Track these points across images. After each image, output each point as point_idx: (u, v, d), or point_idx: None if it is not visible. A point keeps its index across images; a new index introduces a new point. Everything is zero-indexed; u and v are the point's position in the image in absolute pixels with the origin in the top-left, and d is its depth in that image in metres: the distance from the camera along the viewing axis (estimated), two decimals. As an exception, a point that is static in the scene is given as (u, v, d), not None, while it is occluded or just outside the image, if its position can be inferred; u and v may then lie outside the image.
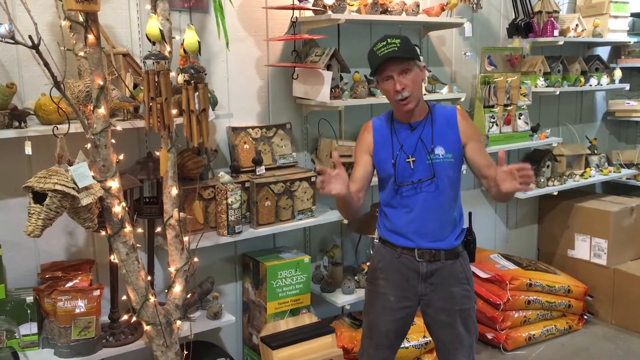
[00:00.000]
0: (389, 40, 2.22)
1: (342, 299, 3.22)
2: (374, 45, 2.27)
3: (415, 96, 2.25)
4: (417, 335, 3.29)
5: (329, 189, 2.06)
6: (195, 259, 2.64)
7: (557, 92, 4.18)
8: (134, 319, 2.52)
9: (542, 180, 4.20)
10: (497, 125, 3.92)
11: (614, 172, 4.61)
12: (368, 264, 2.76)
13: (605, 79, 4.47)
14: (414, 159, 2.31)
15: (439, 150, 2.30)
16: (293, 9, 2.99)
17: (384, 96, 3.24)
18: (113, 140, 2.37)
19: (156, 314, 2.48)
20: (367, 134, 2.41)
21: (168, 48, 2.46)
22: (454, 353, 2.38)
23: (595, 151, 4.71)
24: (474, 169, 2.36)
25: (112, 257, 2.47)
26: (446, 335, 2.39)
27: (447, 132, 2.32)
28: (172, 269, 2.57)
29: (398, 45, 2.20)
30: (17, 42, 2.05)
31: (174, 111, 2.48)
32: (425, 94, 3.45)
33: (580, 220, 4.37)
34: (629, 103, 4.89)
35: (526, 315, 3.80)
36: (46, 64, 2.12)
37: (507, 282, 3.72)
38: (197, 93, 2.43)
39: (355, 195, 2.29)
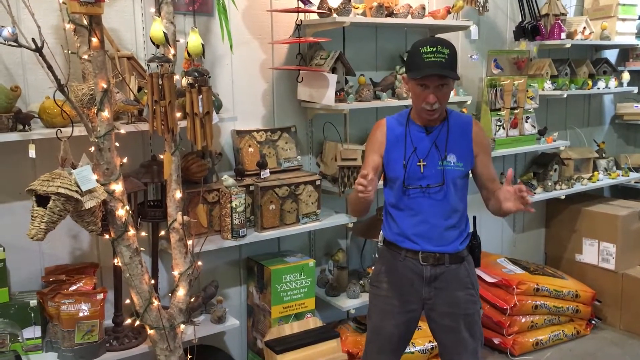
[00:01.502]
0: (438, 48, 2.13)
1: (347, 303, 3.21)
2: (421, 45, 2.16)
3: (442, 108, 2.26)
4: (423, 340, 3.26)
5: (370, 194, 2.07)
6: (199, 263, 2.64)
7: (565, 95, 4.15)
8: (137, 322, 2.51)
9: (549, 184, 4.17)
10: (503, 128, 3.90)
11: (622, 175, 4.58)
12: (373, 267, 2.74)
13: (613, 82, 4.44)
14: (425, 163, 2.29)
15: (451, 158, 2.29)
16: (298, 12, 2.98)
17: (390, 99, 3.28)
18: (117, 144, 2.37)
19: (160, 318, 2.47)
20: (379, 132, 2.38)
21: (172, 51, 2.46)
22: (458, 358, 2.35)
23: (603, 155, 4.68)
24: (476, 179, 2.38)
25: (115, 261, 2.47)
26: (450, 340, 2.37)
27: (461, 141, 2.31)
28: (175, 273, 2.56)
29: (446, 57, 2.13)
30: (20, 45, 2.05)
31: (178, 114, 2.47)
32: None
33: (588, 224, 4.33)
34: (637, 106, 4.85)
35: (533, 320, 3.76)
36: (50, 67, 2.12)
37: (514, 286, 3.69)
38: (201, 96, 2.43)
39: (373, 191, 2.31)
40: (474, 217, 2.48)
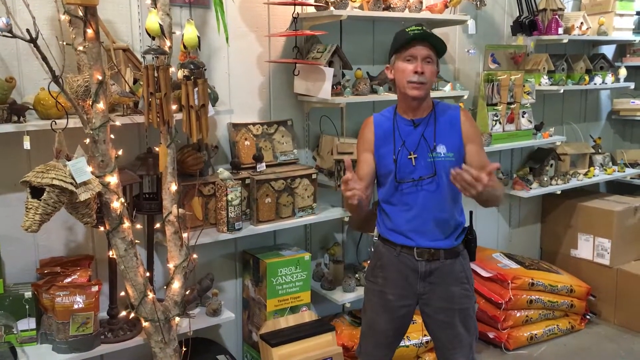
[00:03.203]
0: (423, 27, 2.25)
1: (343, 297, 3.21)
2: (405, 27, 2.28)
3: (427, 88, 2.27)
4: (417, 334, 3.27)
5: (353, 192, 2.07)
6: (195, 256, 2.63)
7: (561, 91, 4.15)
8: (132, 315, 2.51)
9: (545, 179, 4.17)
10: (500, 123, 3.90)
11: (618, 171, 4.59)
12: (369, 262, 2.75)
13: (610, 78, 4.44)
14: (416, 155, 2.29)
15: (441, 149, 2.29)
16: (295, 4, 2.97)
17: (387, 93, 3.28)
18: (112, 136, 2.36)
19: (155, 311, 2.47)
20: (367, 130, 2.39)
21: (168, 43, 2.45)
22: (453, 352, 2.35)
23: (600, 150, 4.69)
24: None
25: (110, 253, 2.46)
26: (445, 335, 2.37)
27: (449, 131, 2.30)
28: (171, 266, 2.56)
29: (431, 34, 2.25)
30: (14, 36, 2.03)
31: (174, 107, 2.46)
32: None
33: (584, 219, 4.34)
34: (633, 102, 4.86)
35: (528, 314, 3.78)
36: (44, 58, 2.10)
37: (509, 281, 3.70)
38: (196, 88, 2.42)
39: (364, 193, 2.32)
40: (470, 212, 2.48)
